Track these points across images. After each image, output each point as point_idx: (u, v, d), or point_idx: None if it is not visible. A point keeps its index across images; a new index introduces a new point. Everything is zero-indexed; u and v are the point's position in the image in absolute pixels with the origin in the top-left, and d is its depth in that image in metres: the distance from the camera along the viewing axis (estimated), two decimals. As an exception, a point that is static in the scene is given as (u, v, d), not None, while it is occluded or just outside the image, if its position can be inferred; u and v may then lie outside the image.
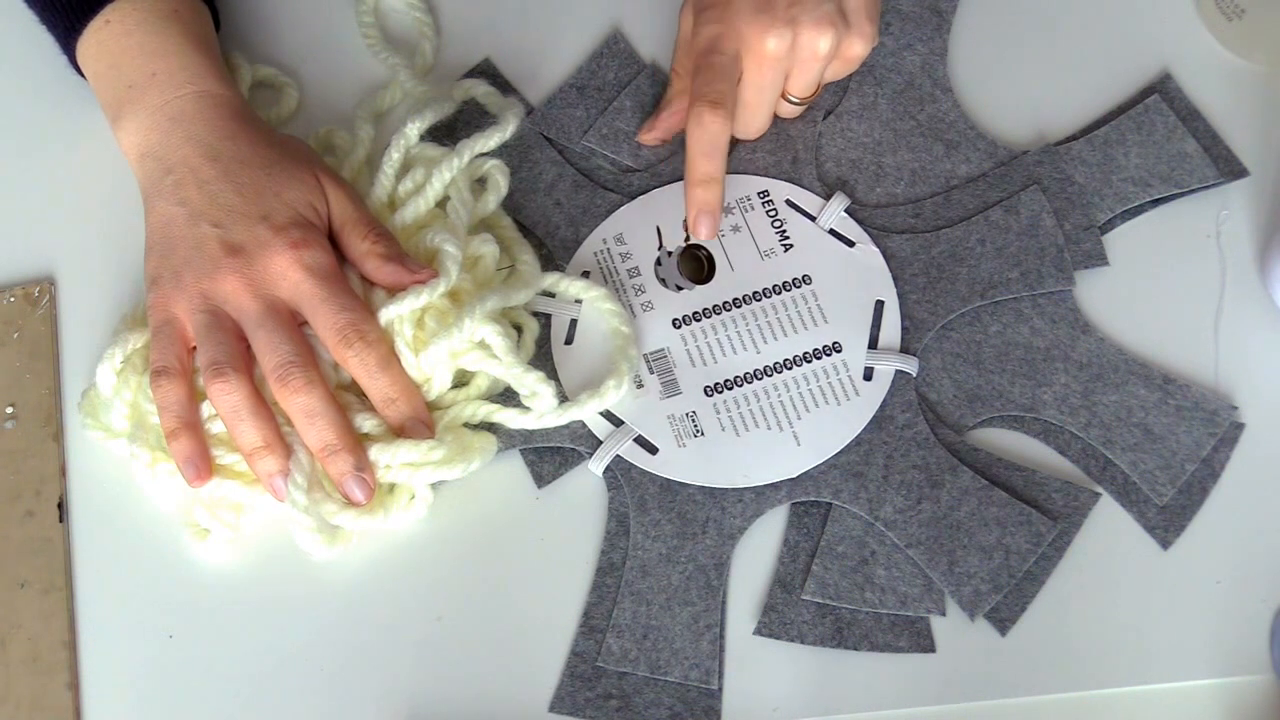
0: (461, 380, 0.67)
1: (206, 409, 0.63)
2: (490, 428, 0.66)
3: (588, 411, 0.65)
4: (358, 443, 0.63)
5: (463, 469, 0.64)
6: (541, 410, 0.65)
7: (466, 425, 0.66)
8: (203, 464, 0.62)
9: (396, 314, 0.64)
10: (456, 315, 0.64)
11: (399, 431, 0.64)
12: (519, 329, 0.68)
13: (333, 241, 0.66)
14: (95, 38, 0.67)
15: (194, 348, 0.64)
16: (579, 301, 0.68)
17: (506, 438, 0.66)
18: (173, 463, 0.63)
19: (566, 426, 0.66)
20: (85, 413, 0.66)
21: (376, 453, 0.63)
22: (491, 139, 0.70)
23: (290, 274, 0.63)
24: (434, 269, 0.65)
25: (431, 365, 0.64)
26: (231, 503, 0.64)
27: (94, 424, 0.66)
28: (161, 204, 0.65)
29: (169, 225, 0.64)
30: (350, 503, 0.63)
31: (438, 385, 0.65)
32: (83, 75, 0.69)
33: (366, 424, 0.64)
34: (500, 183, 0.70)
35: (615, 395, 0.65)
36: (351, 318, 0.63)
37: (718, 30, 0.66)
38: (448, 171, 0.68)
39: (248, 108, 0.68)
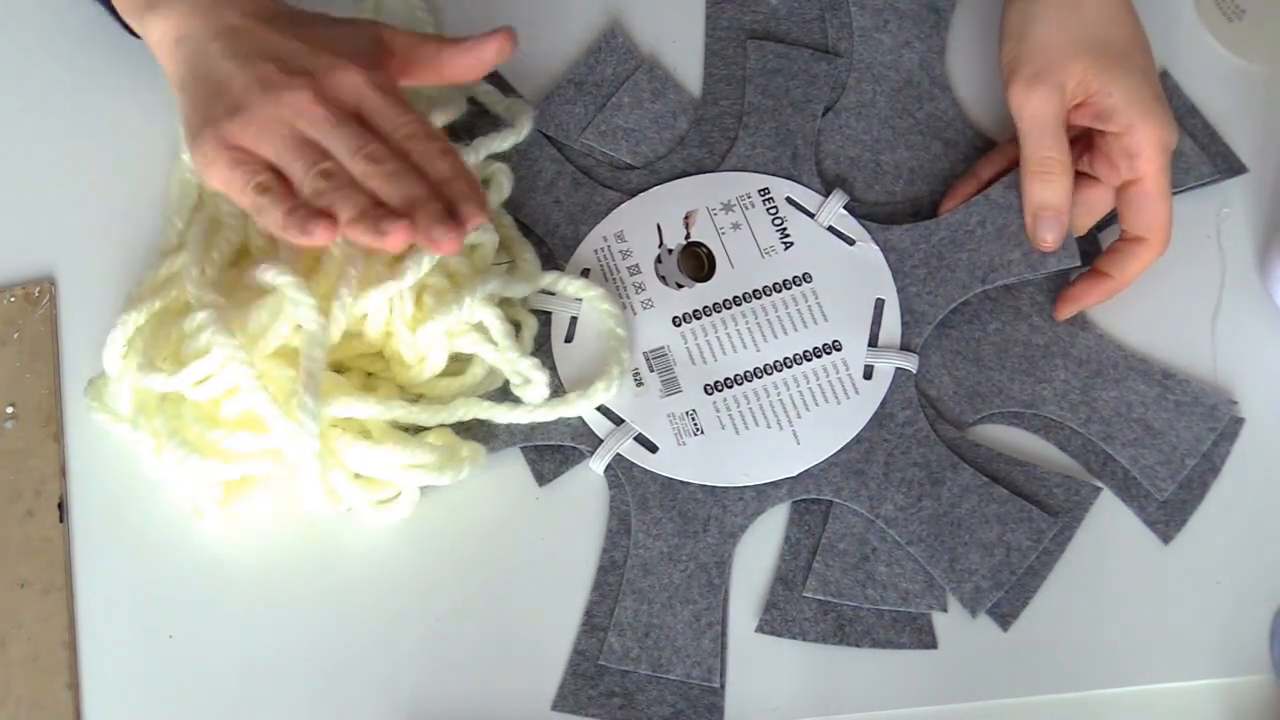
0: (453, 371, 0.66)
1: (196, 372, 0.62)
2: (482, 427, 0.66)
3: (576, 410, 0.65)
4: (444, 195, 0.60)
5: (452, 475, 0.63)
6: (532, 400, 0.65)
7: (459, 424, 0.66)
8: (328, 216, 0.58)
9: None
10: (456, 294, 0.64)
11: (454, 203, 0.59)
12: (518, 326, 0.68)
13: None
14: None
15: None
16: (579, 300, 0.68)
17: (507, 435, 0.66)
18: (176, 450, 0.62)
19: (568, 425, 0.66)
20: (91, 396, 0.66)
21: (366, 451, 0.62)
22: (506, 140, 0.70)
23: (360, 85, 0.61)
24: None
25: (428, 344, 0.64)
26: (216, 481, 0.63)
27: (99, 407, 0.65)
28: (205, 67, 0.61)
29: (216, 76, 0.61)
30: (437, 249, 0.58)
31: (431, 366, 0.65)
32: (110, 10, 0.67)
33: (369, 411, 0.63)
34: (504, 184, 0.70)
35: (604, 396, 0.65)
36: (415, 124, 0.60)
37: (1170, 146, 0.65)
38: None
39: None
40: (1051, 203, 0.65)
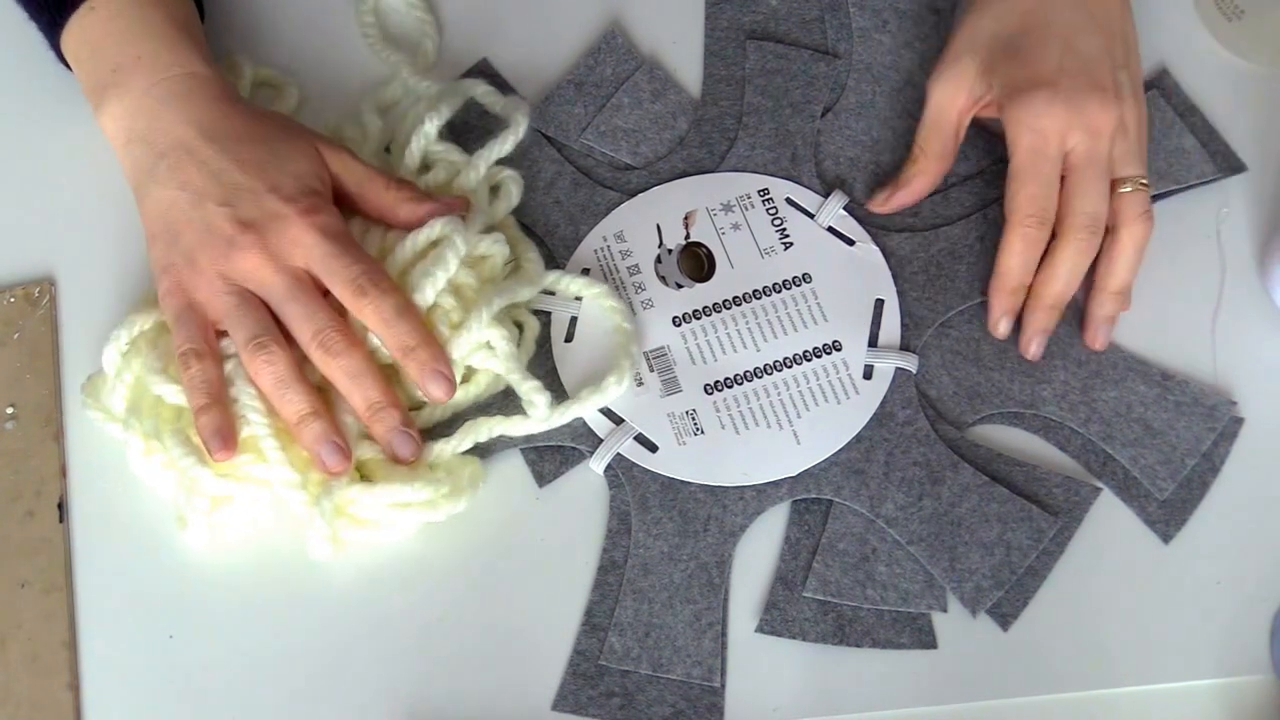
0: (464, 376, 0.67)
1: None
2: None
3: (589, 408, 0.65)
4: (400, 401, 0.63)
5: (450, 509, 0.64)
6: (538, 417, 0.65)
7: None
8: (230, 436, 0.62)
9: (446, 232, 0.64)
10: (464, 318, 0.64)
11: (420, 383, 0.63)
12: (520, 327, 0.68)
13: (345, 213, 0.66)
14: (79, 25, 0.67)
15: (219, 331, 0.63)
16: (579, 299, 0.68)
17: (508, 436, 0.66)
18: (165, 450, 0.63)
19: (567, 425, 0.66)
20: (87, 394, 0.65)
21: (359, 492, 0.62)
22: (506, 143, 0.70)
23: (304, 239, 0.62)
24: (464, 198, 0.66)
25: None
26: (206, 493, 0.63)
27: (94, 404, 0.65)
28: (157, 190, 0.64)
29: (171, 210, 0.64)
30: (397, 459, 0.63)
31: None
32: (69, 67, 0.69)
33: (367, 452, 0.64)
34: (513, 192, 0.70)
35: (617, 391, 0.65)
36: (365, 268, 0.62)
37: (1045, 125, 0.64)
38: (470, 181, 0.68)
39: (234, 90, 0.68)
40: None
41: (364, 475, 0.64)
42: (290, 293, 0.62)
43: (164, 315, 0.65)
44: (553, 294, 0.68)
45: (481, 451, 0.66)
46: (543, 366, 0.67)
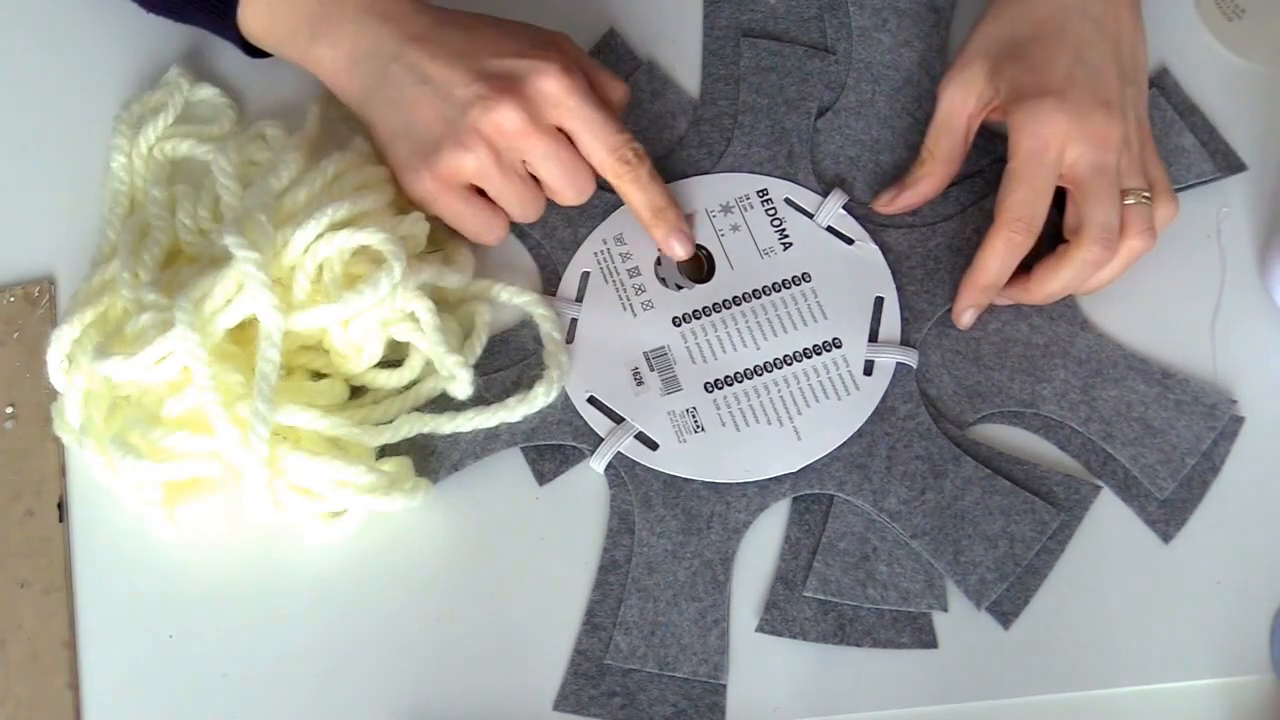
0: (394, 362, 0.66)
1: (156, 352, 0.61)
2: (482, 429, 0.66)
3: (516, 414, 0.65)
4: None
5: (404, 498, 0.63)
6: (459, 395, 0.65)
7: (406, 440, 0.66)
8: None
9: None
10: (375, 276, 0.63)
11: (663, 242, 0.68)
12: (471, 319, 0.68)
13: None
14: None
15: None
16: (580, 301, 0.68)
17: (508, 435, 0.66)
18: (114, 451, 0.61)
19: (568, 424, 0.66)
20: (55, 414, 0.65)
21: (305, 463, 0.61)
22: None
23: (566, 100, 0.63)
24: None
25: (362, 335, 0.64)
26: (155, 482, 0.62)
27: (60, 423, 0.64)
28: (392, 93, 0.63)
29: (413, 108, 0.63)
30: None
31: (368, 357, 0.65)
32: (242, 47, 0.68)
33: (315, 423, 0.63)
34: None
35: (544, 401, 0.66)
36: (628, 137, 0.65)
37: (1047, 133, 0.64)
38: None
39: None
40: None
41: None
42: (554, 152, 0.64)
43: (441, 216, 0.66)
44: (554, 294, 0.69)
45: (481, 451, 0.66)
46: (543, 365, 0.67)
